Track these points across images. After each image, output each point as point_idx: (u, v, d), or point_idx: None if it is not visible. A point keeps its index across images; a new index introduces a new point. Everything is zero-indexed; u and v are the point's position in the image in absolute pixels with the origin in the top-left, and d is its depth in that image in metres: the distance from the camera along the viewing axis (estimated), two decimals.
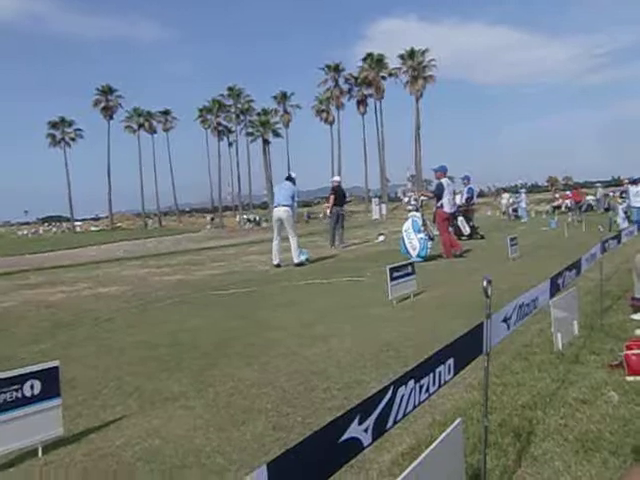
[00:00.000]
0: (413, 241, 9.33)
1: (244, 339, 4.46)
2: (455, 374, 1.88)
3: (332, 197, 13.66)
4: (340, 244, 13.53)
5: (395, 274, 5.58)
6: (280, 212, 9.70)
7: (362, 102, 59.16)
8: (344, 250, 12.91)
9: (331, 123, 62.06)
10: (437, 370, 1.78)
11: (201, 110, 65.77)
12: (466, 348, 1.93)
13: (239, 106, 64.08)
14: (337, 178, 14.69)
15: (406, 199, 10.49)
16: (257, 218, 51.77)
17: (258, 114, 64.27)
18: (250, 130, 63.45)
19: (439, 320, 4.67)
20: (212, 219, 56.59)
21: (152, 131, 66.90)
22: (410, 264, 5.95)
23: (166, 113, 67.91)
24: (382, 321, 4.83)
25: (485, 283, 1.82)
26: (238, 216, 55.02)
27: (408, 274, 5.80)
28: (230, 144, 69.72)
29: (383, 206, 46.05)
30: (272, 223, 10.10)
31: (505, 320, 2.28)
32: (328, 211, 14.53)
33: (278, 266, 9.72)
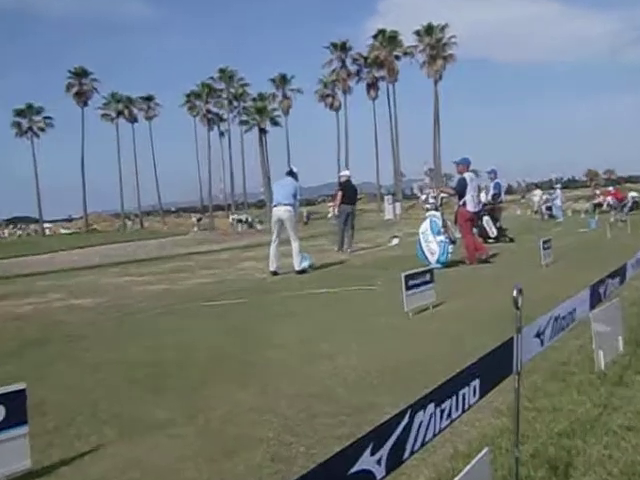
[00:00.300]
0: (431, 245, 9.32)
1: (239, 357, 4.47)
2: (481, 397, 1.88)
3: (340, 194, 13.68)
4: (348, 248, 13.54)
5: (411, 282, 5.58)
6: (280, 212, 9.73)
7: (373, 85, 59.30)
8: (352, 255, 12.91)
9: (337, 110, 62.21)
10: (461, 392, 1.78)
11: (188, 95, 65.99)
12: (494, 367, 1.93)
13: (232, 91, 64.33)
14: (346, 172, 14.71)
15: (423, 196, 10.52)
16: (249, 219, 51.87)
17: (253, 100, 64.47)
18: (244, 118, 63.69)
19: (462, 335, 4.67)
20: (199, 220, 56.68)
21: (133, 119, 67.16)
22: (428, 271, 5.96)
23: (148, 99, 68.17)
24: (397, 336, 4.83)
25: (515, 292, 1.82)
26: (231, 216, 55.21)
27: (426, 282, 5.80)
28: (222, 134, 69.90)
29: (397, 204, 46.15)
30: (271, 224, 10.13)
31: (538, 335, 2.27)
32: (335, 210, 14.53)
33: (276, 274, 9.75)
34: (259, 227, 49.48)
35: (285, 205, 9.69)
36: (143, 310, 6.99)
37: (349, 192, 13.70)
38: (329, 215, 52.36)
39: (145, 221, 70.11)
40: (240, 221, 50.90)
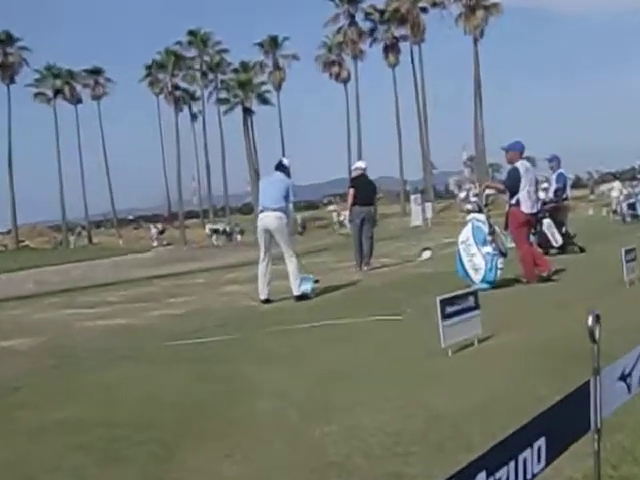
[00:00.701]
0: (475, 258, 9.31)
1: (220, 413, 4.46)
2: (548, 463, 1.87)
3: (352, 192, 13.77)
4: (364, 265, 13.55)
5: (449, 310, 5.57)
6: (268, 219, 9.77)
7: (392, 48, 59.66)
8: (370, 274, 12.93)
9: (345, 81, 62.69)
10: (520, 457, 1.76)
11: (149, 67, 66.73)
12: (564, 422, 1.92)
13: (206, 59, 64.99)
14: (361, 164, 14.78)
15: (462, 194, 10.56)
16: (227, 228, 52.13)
17: (235, 71, 65.08)
18: (223, 95, 64.35)
19: (519, 378, 4.65)
20: (161, 232, 56.70)
21: (75, 100, 67.87)
22: (472, 294, 5.95)
23: (96, 73, 68.86)
24: (431, 382, 4.81)
25: (590, 321, 1.81)
26: (208, 226, 55.41)
27: (469, 309, 5.79)
28: (194, 116, 70.39)
29: (427, 206, 46.16)
30: (258, 236, 10.15)
31: (623, 378, 2.25)
32: (347, 213, 14.56)
33: (268, 301, 9.79)
34: (239, 238, 49.73)
35: (274, 210, 9.71)
36: (93, 353, 7.00)
37: (364, 190, 13.77)
38: (340, 219, 52.23)
39: (94, 235, 70.58)
40: (216, 231, 51.11)
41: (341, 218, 57.74)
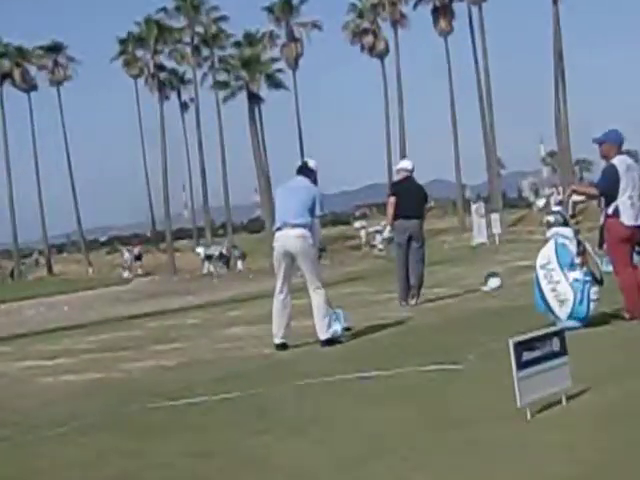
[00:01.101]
0: (560, 287, 9.25)
1: None
2: None
3: (392, 201, 13.87)
4: (413, 298, 13.52)
5: (527, 356, 5.52)
6: (289, 240, 9.85)
7: (443, 10, 59.81)
8: (420, 309, 12.94)
9: (382, 56, 62.86)
10: None
11: (124, 41, 67.47)
12: None
13: (199, 30, 65.59)
14: (407, 164, 14.77)
15: (541, 202, 10.55)
16: (222, 252, 52.14)
17: (237, 44, 65.54)
18: (222, 78, 64.77)
19: (624, 449, 4.59)
20: (137, 257, 56.66)
21: (28, 86, 68.85)
22: (556, 334, 5.90)
23: (55, 50, 69.80)
24: (505, 455, 4.77)
25: None
26: (199, 250, 55.66)
27: (554, 355, 5.74)
28: (184, 106, 71.11)
29: (494, 217, 46.00)
30: (273, 262, 10.24)
31: None
32: (387, 229, 14.55)
33: (285, 347, 9.84)
34: (240, 265, 49.75)
35: (296, 227, 9.78)
36: (53, 421, 6.97)
37: (410, 198, 13.82)
38: (372, 241, 51.85)
39: (55, 262, 71.17)
40: (209, 258, 51.12)
41: (376, 241, 57.93)
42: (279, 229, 9.98)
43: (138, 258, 57.35)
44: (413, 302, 13.44)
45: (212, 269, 48.80)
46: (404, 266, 13.72)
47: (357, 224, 64.67)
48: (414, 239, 13.70)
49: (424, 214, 14.30)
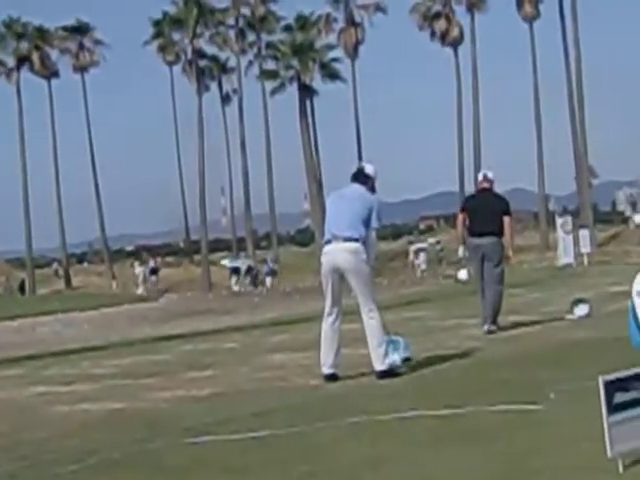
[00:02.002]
0: None
1: None
2: None
3: (461, 219, 14.11)
4: (487, 323, 13.57)
5: (620, 397, 5.46)
6: (338, 255, 9.90)
7: None
8: (495, 338, 12.95)
9: (455, 44, 62.76)
10: None
11: (158, 23, 68.01)
12: None
13: (245, 11, 66.02)
14: (487, 173, 14.72)
15: (639, 218, 10.45)
16: (251, 266, 52.00)
17: (288, 28, 65.82)
18: (270, 67, 65.07)
19: None
20: (153, 271, 56.12)
21: (49, 73, 69.64)
22: None
23: (80, 31, 70.48)
24: None
25: None
26: (225, 262, 55.81)
27: None
28: (226, 98, 71.55)
29: (584, 234, 45.65)
30: (322, 279, 10.28)
31: None
32: (460, 249, 14.56)
33: (335, 378, 9.87)
34: (269, 282, 49.58)
35: (347, 241, 9.81)
36: (68, 456, 6.98)
37: (484, 212, 13.91)
38: (426, 252, 51.25)
39: (75, 273, 71.82)
40: (236, 272, 50.96)
41: (419, 259, 57.51)
42: (328, 242, 10.02)
43: (154, 272, 57.23)
44: (486, 327, 13.42)
45: (237, 285, 48.92)
46: (481, 288, 13.87)
47: (413, 247, 63.57)
48: (488, 259, 13.68)
49: (504, 230, 14.10)
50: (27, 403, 10.17)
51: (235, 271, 51.47)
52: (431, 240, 67.46)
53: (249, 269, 52.25)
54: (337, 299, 9.96)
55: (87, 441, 7.56)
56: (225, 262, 54.94)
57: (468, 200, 14.38)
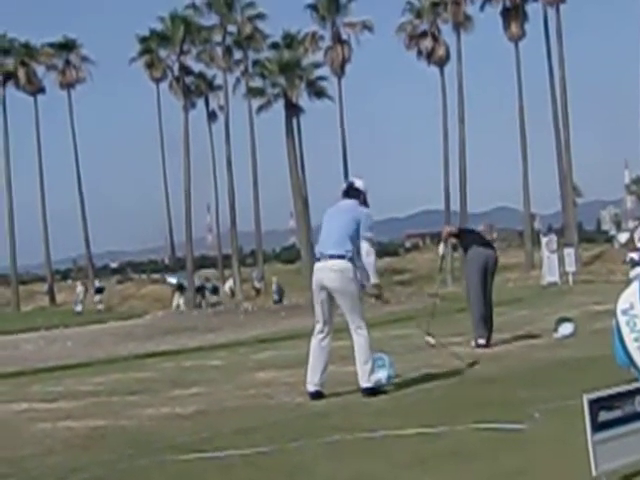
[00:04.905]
0: None
1: None
2: None
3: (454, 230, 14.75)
4: (480, 338, 13.87)
5: (605, 416, 5.48)
6: (325, 273, 9.88)
7: (515, 11, 59.88)
8: (479, 354, 12.98)
9: (441, 63, 62.97)
10: None
11: (145, 40, 68.02)
12: None
13: (232, 29, 66.11)
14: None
15: (623, 237, 10.54)
16: (213, 285, 52.38)
17: (275, 46, 66.01)
18: (257, 84, 65.07)
19: None
20: (98, 290, 56.86)
21: (35, 89, 69.60)
22: None
23: (66, 48, 70.47)
24: None
25: None
26: (228, 282, 55.84)
27: (636, 416, 5.68)
28: (212, 115, 71.55)
29: (568, 253, 45.79)
30: (313, 298, 10.26)
31: None
32: (441, 246, 14.88)
33: (321, 395, 9.86)
34: (215, 299, 49.65)
35: (337, 258, 9.79)
36: (49, 476, 6.96)
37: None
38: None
39: (60, 289, 71.56)
40: (200, 290, 51.18)
41: (443, 250, 57.71)
42: (319, 259, 10.00)
43: (99, 291, 58.15)
44: (473, 344, 13.48)
45: (181, 303, 49.23)
46: (482, 300, 14.05)
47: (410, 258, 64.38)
48: (490, 272, 13.85)
49: (492, 243, 14.76)
50: (9, 420, 10.12)
51: (199, 290, 51.68)
52: None
53: (212, 287, 52.66)
54: (327, 317, 9.93)
55: (70, 459, 7.53)
56: (172, 280, 55.03)
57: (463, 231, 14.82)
